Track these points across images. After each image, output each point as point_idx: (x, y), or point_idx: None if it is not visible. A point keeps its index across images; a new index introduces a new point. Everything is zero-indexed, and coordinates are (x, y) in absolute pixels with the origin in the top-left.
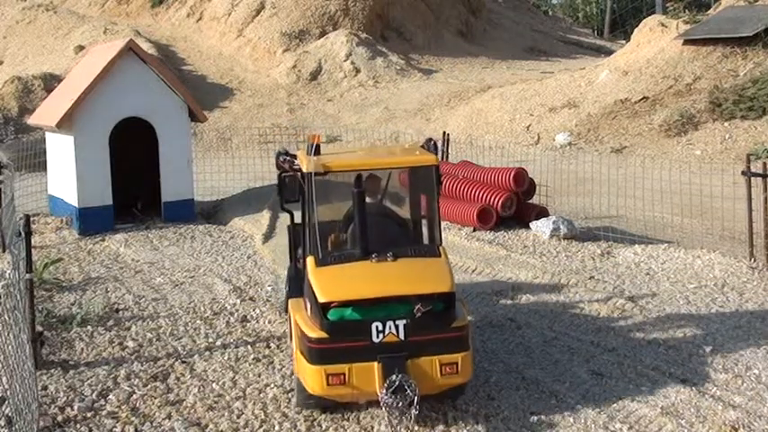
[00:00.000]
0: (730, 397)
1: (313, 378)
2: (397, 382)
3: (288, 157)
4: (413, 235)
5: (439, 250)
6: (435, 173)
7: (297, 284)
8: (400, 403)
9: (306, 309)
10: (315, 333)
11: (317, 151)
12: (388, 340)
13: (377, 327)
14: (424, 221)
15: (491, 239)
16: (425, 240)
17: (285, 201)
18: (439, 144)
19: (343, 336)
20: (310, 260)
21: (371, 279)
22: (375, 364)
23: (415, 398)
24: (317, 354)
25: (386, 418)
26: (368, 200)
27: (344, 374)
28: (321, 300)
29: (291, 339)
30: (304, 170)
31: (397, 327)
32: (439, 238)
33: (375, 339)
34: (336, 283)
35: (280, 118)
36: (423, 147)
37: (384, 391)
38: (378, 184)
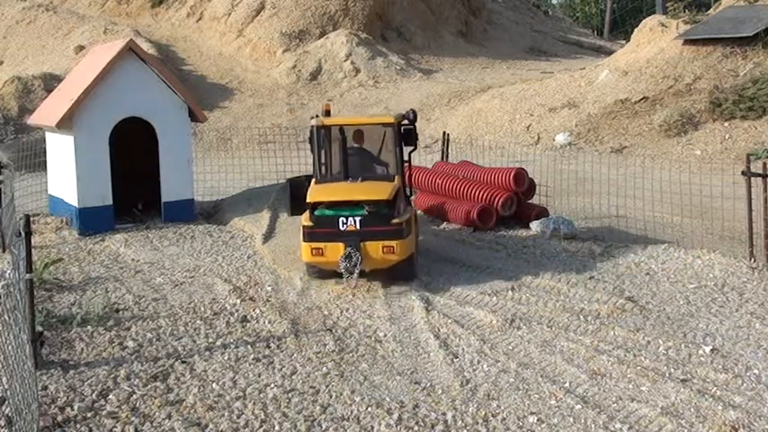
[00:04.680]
0: (730, 397)
1: (305, 250)
2: (347, 252)
3: (316, 117)
4: (380, 168)
5: (394, 178)
6: (395, 128)
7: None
8: (348, 265)
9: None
10: (307, 222)
11: (328, 114)
12: (349, 229)
13: (342, 220)
14: (388, 160)
15: (491, 239)
16: (387, 171)
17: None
18: (449, 138)
19: (322, 225)
20: (313, 181)
21: (342, 191)
22: (340, 243)
23: (358, 263)
24: (308, 235)
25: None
26: (355, 145)
27: (322, 249)
28: (309, 200)
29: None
30: (312, 124)
31: (355, 220)
32: (396, 170)
33: (341, 228)
34: (320, 192)
35: (280, 118)
36: (403, 115)
37: (341, 258)
38: (362, 136)
